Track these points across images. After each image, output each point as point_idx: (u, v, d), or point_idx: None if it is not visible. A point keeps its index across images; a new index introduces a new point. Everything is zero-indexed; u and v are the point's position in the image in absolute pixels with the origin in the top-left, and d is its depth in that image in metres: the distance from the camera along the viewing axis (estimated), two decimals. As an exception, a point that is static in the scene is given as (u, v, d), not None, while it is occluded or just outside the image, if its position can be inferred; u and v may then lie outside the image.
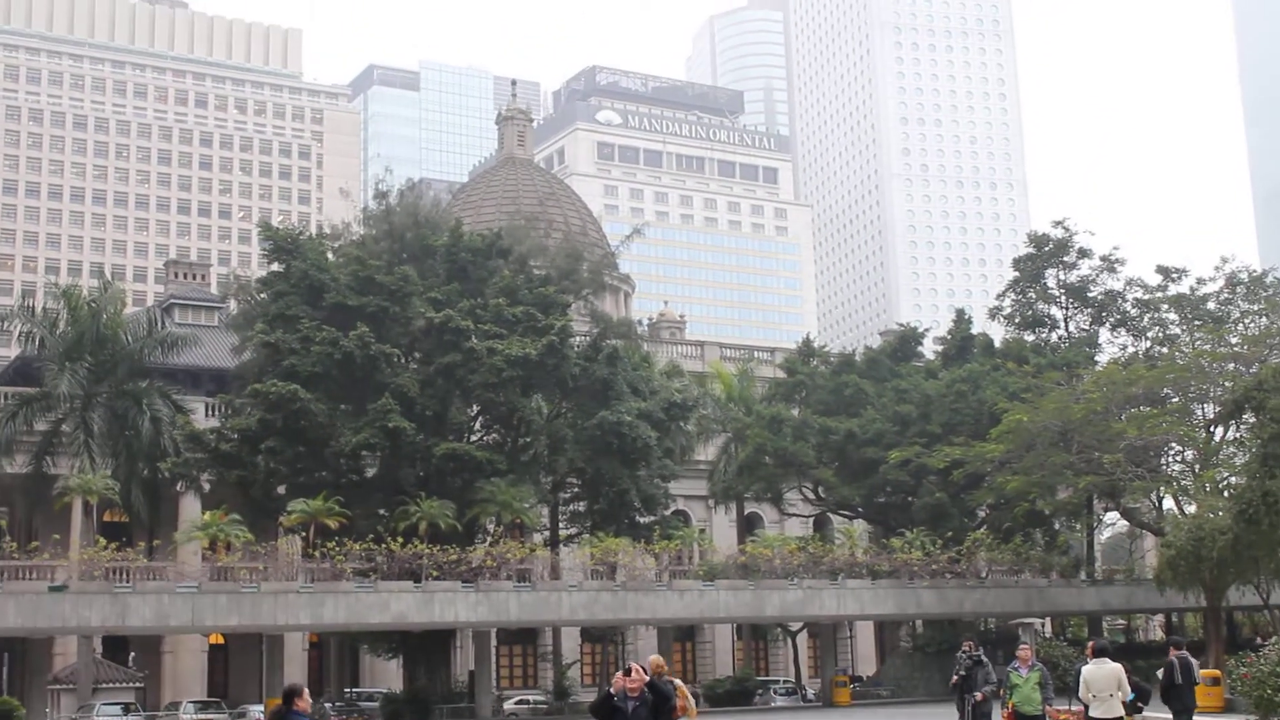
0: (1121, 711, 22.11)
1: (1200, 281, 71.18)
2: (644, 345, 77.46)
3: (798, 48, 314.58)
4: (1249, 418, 53.29)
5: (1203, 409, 62.36)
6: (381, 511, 57.08)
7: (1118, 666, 22.29)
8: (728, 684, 68.45)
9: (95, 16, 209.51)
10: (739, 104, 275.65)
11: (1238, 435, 58.55)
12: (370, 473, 59.09)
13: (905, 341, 79.31)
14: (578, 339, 61.99)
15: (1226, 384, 58.04)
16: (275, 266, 60.52)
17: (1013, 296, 76.26)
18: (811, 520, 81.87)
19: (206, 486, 62.00)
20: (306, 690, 16.33)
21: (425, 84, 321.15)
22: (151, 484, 60.87)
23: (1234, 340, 62.08)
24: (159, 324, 65.32)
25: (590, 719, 16.25)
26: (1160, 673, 29.28)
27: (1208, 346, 61.10)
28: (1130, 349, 71.84)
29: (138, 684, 65.16)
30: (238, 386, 60.05)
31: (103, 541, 50.94)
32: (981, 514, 70.03)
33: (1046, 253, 74.33)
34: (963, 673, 32.30)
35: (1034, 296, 75.36)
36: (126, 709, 55.58)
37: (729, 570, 61.04)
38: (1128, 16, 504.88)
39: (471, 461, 56.55)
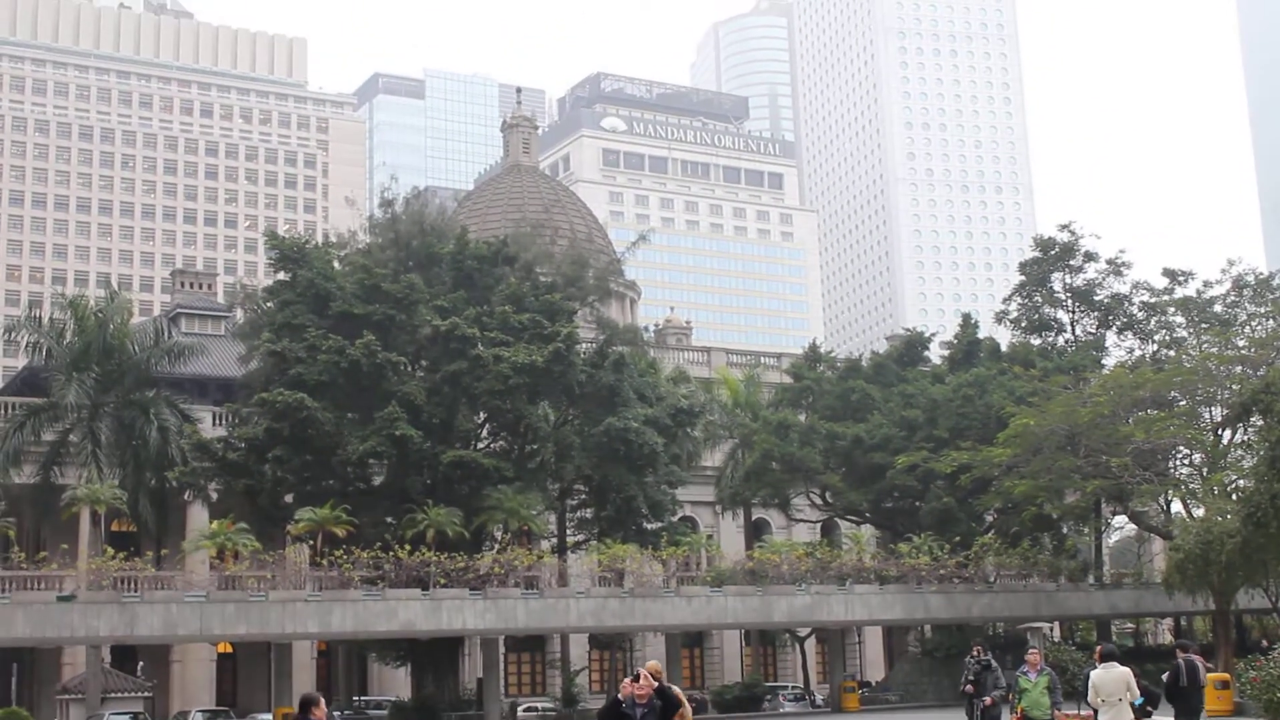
0: (1130, 716, 22.04)
1: (1207, 284, 71.22)
2: (650, 351, 77.39)
3: (802, 53, 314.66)
4: (1257, 420, 53.30)
5: (1210, 412, 62.25)
6: (389, 519, 57.12)
7: (1126, 670, 22.24)
8: (736, 690, 68.51)
9: (101, 27, 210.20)
10: (744, 110, 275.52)
11: (1245, 438, 58.46)
12: (377, 481, 59.09)
13: (911, 346, 79.27)
14: (584, 346, 61.93)
15: (1234, 387, 57.97)
16: (281, 275, 60.62)
17: (1019, 300, 76.26)
18: (819, 526, 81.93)
19: (214, 495, 62.01)
20: (323, 700, 16.12)
21: (430, 92, 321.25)
22: (159, 493, 60.98)
23: (1241, 343, 62.05)
24: (166, 333, 65.49)
25: (598, 726, 16.21)
26: (1166, 675, 29.21)
27: (1215, 349, 61.00)
28: (1137, 352, 71.80)
29: (146, 693, 65.03)
30: (244, 395, 60.10)
31: (110, 551, 51.08)
32: (989, 518, 69.98)
33: (1052, 256, 74.29)
34: (971, 678, 32.24)
35: (1040, 300, 75.36)
36: (135, 718, 55.52)
37: (737, 576, 61.03)
38: (1132, 20, 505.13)
39: (479, 469, 56.56)
